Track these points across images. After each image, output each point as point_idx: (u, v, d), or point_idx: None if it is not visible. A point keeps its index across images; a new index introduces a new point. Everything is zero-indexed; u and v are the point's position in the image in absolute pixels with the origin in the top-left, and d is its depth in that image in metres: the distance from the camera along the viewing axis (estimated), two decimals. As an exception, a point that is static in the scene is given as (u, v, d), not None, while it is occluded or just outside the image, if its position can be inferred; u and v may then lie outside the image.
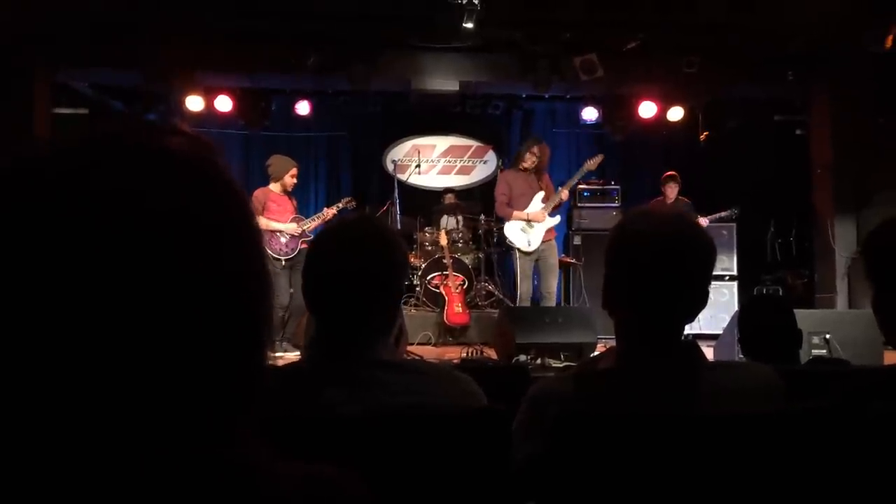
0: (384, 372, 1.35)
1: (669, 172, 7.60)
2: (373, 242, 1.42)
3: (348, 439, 1.23)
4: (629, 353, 1.44)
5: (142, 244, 0.51)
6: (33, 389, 0.49)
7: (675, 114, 8.27)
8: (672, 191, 7.53)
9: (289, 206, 6.44)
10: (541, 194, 6.49)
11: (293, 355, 5.44)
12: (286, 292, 6.09)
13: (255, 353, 0.59)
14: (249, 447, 0.58)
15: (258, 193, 6.36)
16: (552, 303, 6.51)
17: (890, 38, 6.38)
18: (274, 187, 6.39)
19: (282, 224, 6.24)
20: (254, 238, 0.60)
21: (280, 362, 5.61)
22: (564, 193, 6.55)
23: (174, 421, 0.53)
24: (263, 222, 6.18)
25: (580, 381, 1.44)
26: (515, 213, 6.47)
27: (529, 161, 6.47)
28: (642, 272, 1.38)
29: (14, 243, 0.50)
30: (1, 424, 0.50)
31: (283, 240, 6.23)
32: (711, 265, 1.44)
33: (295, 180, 6.43)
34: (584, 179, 8.54)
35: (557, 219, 6.60)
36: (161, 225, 0.52)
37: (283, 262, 6.17)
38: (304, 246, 6.26)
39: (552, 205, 6.46)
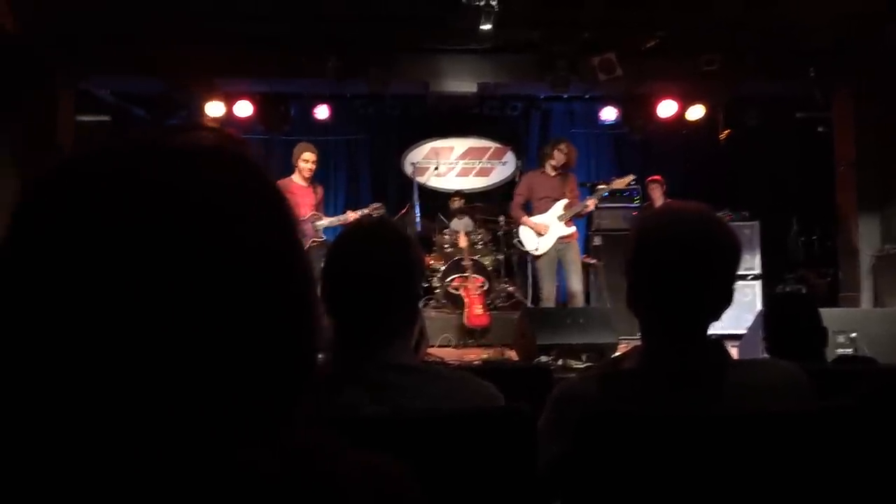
0: (402, 375, 1.35)
1: (653, 177, 7.58)
2: (390, 245, 1.43)
3: (372, 441, 1.23)
4: (654, 353, 1.43)
5: (190, 234, 0.53)
6: (94, 368, 0.51)
7: (695, 112, 8.21)
8: (657, 194, 7.49)
9: (310, 197, 6.41)
10: (564, 202, 6.44)
11: None
12: None
13: (306, 335, 0.60)
14: (311, 433, 0.59)
15: (278, 184, 6.38)
16: (579, 303, 6.46)
17: (913, 32, 6.30)
18: (295, 178, 6.41)
19: None
20: (291, 225, 0.62)
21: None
22: (591, 203, 6.48)
23: (234, 405, 0.54)
24: None
25: (604, 381, 1.43)
26: (524, 218, 6.47)
27: (558, 158, 6.43)
28: (666, 271, 1.37)
29: (71, 238, 0.52)
30: (66, 398, 0.51)
31: None
32: (736, 262, 1.42)
33: (309, 164, 6.38)
34: (606, 180, 8.53)
35: (573, 229, 6.53)
36: (205, 216, 0.54)
37: None
38: (313, 244, 6.24)
39: (572, 213, 6.42)
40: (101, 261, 0.51)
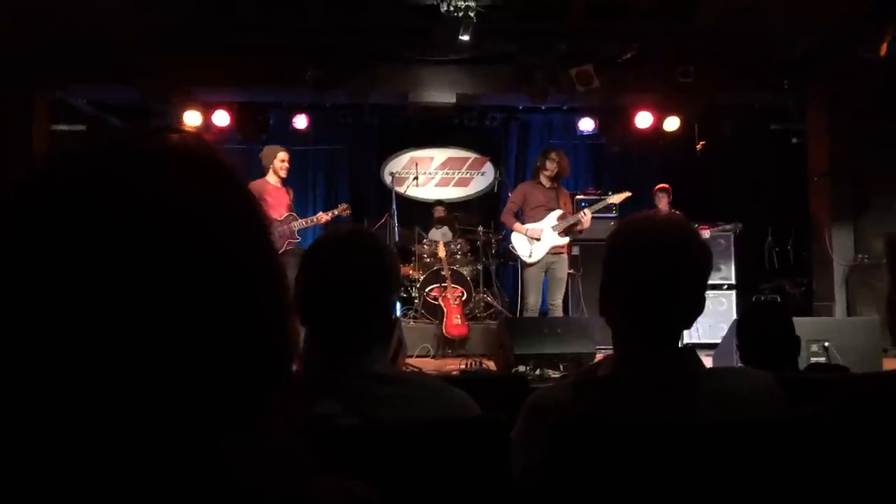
0: (378, 384, 1.35)
1: (661, 185, 7.62)
2: (366, 253, 1.42)
3: (346, 451, 1.22)
4: (627, 360, 1.44)
5: (160, 236, 0.53)
6: (68, 378, 0.50)
7: (672, 123, 8.30)
8: (663, 203, 7.54)
9: (284, 198, 6.41)
10: (558, 212, 6.47)
11: None
12: None
13: (278, 338, 0.60)
14: (286, 443, 0.59)
15: (252, 186, 6.34)
16: (558, 314, 6.48)
17: (885, 45, 6.42)
18: (269, 179, 6.39)
19: None
20: (264, 228, 0.61)
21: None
22: (587, 218, 6.47)
23: (207, 409, 0.54)
24: None
25: (578, 388, 1.44)
26: (517, 224, 6.47)
27: (551, 168, 6.46)
28: (639, 280, 1.39)
29: (41, 241, 0.52)
30: (40, 410, 0.50)
31: (275, 236, 6.18)
32: (708, 271, 1.44)
33: (286, 164, 6.39)
34: (582, 190, 8.59)
35: (567, 240, 6.55)
36: (176, 218, 0.54)
37: None
38: (289, 247, 6.22)
39: (566, 224, 6.44)
40: (72, 263, 0.51)
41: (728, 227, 7.39)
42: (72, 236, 0.51)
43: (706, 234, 7.18)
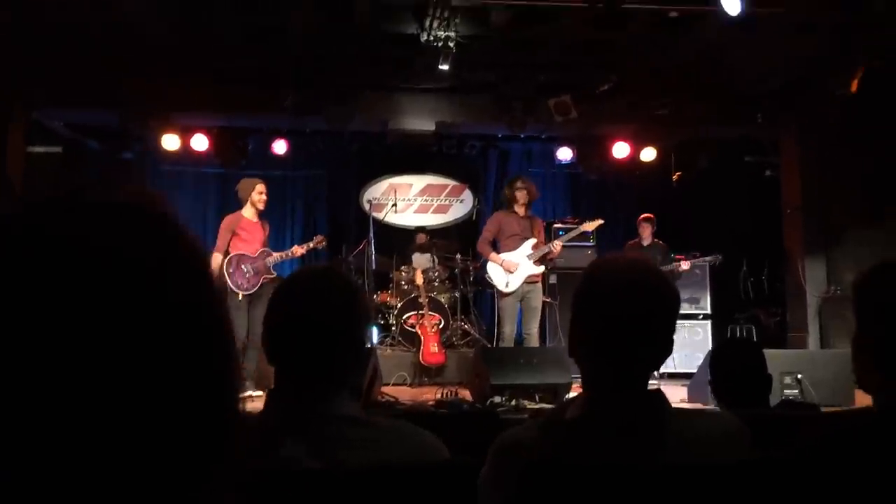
0: (344, 426, 1.33)
1: (645, 214, 7.67)
2: (333, 294, 1.41)
3: (310, 495, 1.21)
4: (595, 402, 1.44)
5: (100, 291, 0.52)
6: None
7: (648, 154, 8.41)
8: (647, 232, 7.59)
9: (259, 234, 6.33)
10: (532, 241, 6.51)
11: (258, 394, 5.32)
12: (243, 327, 5.90)
13: (218, 396, 0.59)
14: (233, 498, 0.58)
15: (228, 219, 6.30)
16: (535, 343, 6.49)
17: (855, 81, 6.56)
18: (246, 212, 6.32)
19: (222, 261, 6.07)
20: (206, 282, 0.61)
21: (246, 403, 5.44)
22: (557, 247, 6.54)
23: (146, 464, 0.53)
24: (217, 261, 6.06)
25: (546, 430, 1.44)
26: (493, 254, 6.50)
27: (521, 196, 6.52)
28: (606, 322, 1.39)
29: None
30: None
31: (247, 274, 6.14)
32: (675, 314, 1.45)
33: (264, 196, 6.31)
34: (560, 219, 8.66)
35: (542, 269, 6.59)
36: (115, 273, 0.54)
37: (241, 296, 6.05)
38: (265, 281, 6.18)
39: (540, 254, 6.48)
40: (8, 317, 0.50)
41: (708, 258, 7.44)
42: (6, 294, 0.51)
43: (685, 265, 7.23)
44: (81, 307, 0.51)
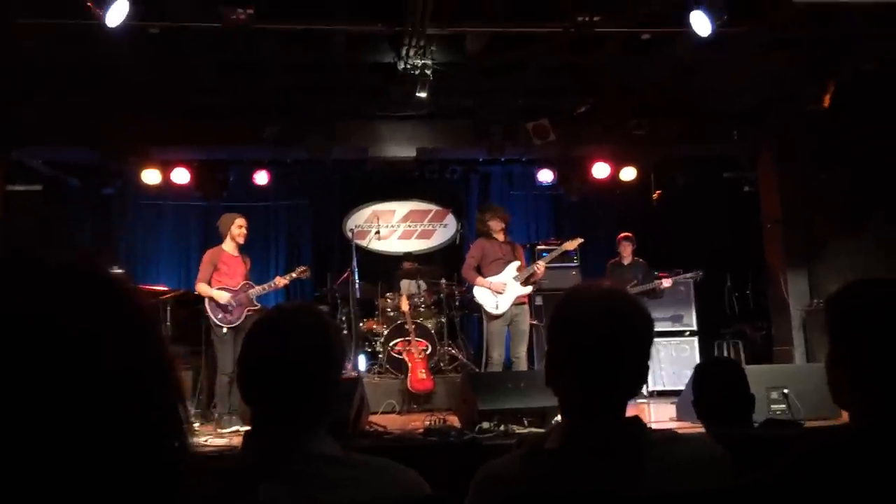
0: (322, 465, 1.32)
1: (625, 233, 7.72)
2: (307, 332, 1.41)
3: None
4: (573, 431, 1.44)
5: (43, 357, 0.53)
6: None
7: (628, 174, 8.49)
8: (627, 250, 7.64)
9: (240, 268, 6.32)
10: (516, 263, 6.58)
11: (245, 429, 5.27)
12: (230, 361, 5.88)
13: (158, 449, 0.59)
14: None
15: (208, 253, 6.29)
16: (523, 367, 6.49)
17: (827, 96, 6.66)
18: (226, 246, 6.31)
19: (214, 291, 6.10)
20: (154, 343, 0.62)
21: (234, 438, 5.36)
22: (540, 269, 6.63)
23: None
24: (205, 289, 6.11)
25: (527, 461, 1.44)
26: (479, 279, 6.53)
27: (495, 225, 6.60)
28: (581, 353, 1.40)
29: None
30: None
31: (230, 307, 6.10)
32: (649, 341, 1.46)
33: (244, 230, 6.32)
34: (543, 240, 8.70)
35: (529, 289, 6.64)
36: (59, 338, 0.54)
37: (225, 330, 6.04)
38: (249, 313, 6.15)
39: (525, 276, 6.53)
40: None
41: (689, 275, 7.47)
42: None
43: (667, 283, 7.27)
44: (7, 377, 0.52)
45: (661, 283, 7.25)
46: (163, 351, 0.63)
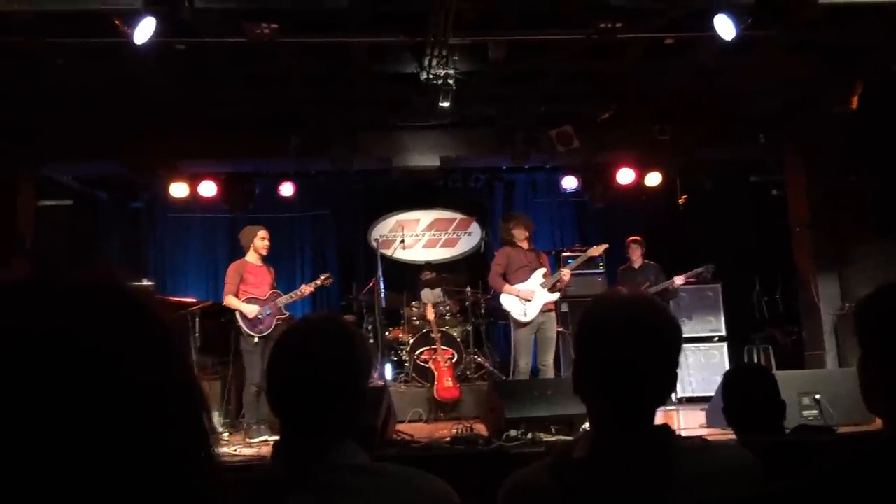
0: (350, 476, 1.33)
1: (633, 237, 7.68)
2: (333, 344, 1.42)
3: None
4: (602, 440, 1.43)
5: (67, 376, 0.54)
6: None
7: (653, 179, 8.42)
8: (636, 254, 7.59)
9: (266, 277, 6.38)
10: (542, 270, 6.58)
11: (274, 439, 5.31)
12: (258, 371, 5.94)
13: (184, 461, 0.60)
14: None
15: (233, 267, 6.36)
16: (550, 374, 6.48)
17: (854, 98, 6.56)
18: (250, 258, 6.37)
19: (243, 305, 6.15)
20: (176, 359, 0.62)
21: (262, 448, 5.39)
22: (566, 275, 6.61)
23: None
24: (233, 302, 6.16)
25: (555, 471, 1.43)
26: (507, 286, 6.53)
27: (518, 234, 6.60)
28: (609, 362, 1.39)
29: None
30: None
31: (260, 315, 6.17)
32: (677, 348, 1.45)
33: (267, 242, 6.38)
34: (568, 247, 8.66)
35: (556, 296, 6.64)
36: (82, 358, 0.55)
37: (256, 339, 6.10)
38: (279, 322, 6.21)
39: (552, 282, 6.52)
40: None
41: (700, 269, 7.31)
42: None
43: (679, 281, 7.19)
44: (31, 396, 0.53)
45: (674, 282, 7.18)
46: (185, 363, 0.63)
